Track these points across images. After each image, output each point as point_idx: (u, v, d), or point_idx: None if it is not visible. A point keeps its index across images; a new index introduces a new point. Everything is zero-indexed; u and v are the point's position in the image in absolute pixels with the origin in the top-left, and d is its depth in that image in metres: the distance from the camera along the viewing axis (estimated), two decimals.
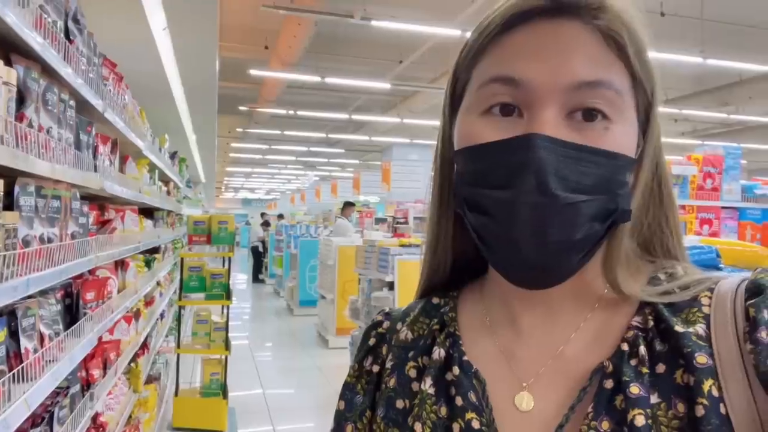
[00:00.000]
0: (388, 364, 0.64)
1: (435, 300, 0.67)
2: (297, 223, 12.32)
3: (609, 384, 0.52)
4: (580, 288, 0.58)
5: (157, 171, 4.75)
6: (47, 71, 1.65)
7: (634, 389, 0.49)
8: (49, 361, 1.72)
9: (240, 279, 16.18)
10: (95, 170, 2.30)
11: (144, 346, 4.06)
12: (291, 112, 12.75)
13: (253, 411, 5.08)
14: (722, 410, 0.47)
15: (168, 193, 5.76)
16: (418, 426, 0.57)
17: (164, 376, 4.99)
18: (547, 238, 0.50)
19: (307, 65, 9.84)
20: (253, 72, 9.02)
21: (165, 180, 5.76)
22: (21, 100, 1.46)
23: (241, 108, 13.23)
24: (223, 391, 4.61)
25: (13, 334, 1.53)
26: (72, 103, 1.92)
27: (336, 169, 26.54)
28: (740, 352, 0.48)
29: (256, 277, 15.59)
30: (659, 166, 0.58)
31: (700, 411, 0.47)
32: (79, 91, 1.93)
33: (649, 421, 0.48)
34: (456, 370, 0.58)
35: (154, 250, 4.63)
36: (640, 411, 0.48)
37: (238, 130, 16.74)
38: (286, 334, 8.92)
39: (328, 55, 9.97)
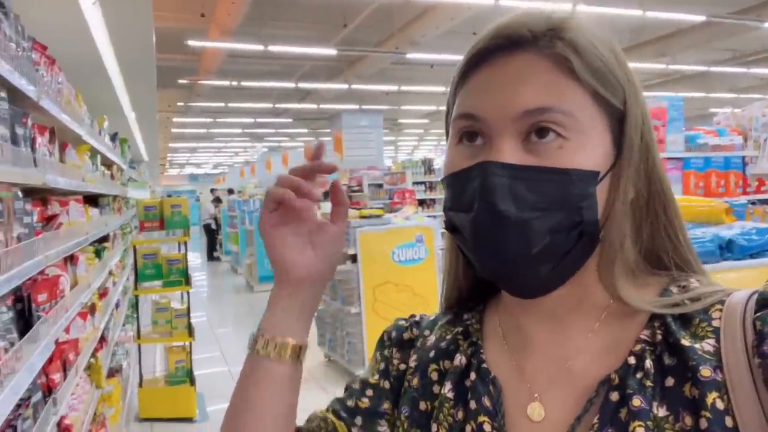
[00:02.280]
0: (412, 364, 0.69)
1: (462, 314, 0.71)
2: (250, 198, 12.05)
3: (615, 396, 0.53)
4: (582, 299, 0.60)
5: (99, 156, 4.50)
6: None
7: (636, 402, 0.51)
8: (8, 374, 1.61)
9: (194, 258, 15.81)
10: (35, 164, 2.13)
11: (102, 339, 3.90)
12: (234, 83, 12.30)
13: (220, 390, 5.02)
14: (728, 423, 0.48)
15: (112, 177, 5.47)
16: (434, 427, 0.62)
17: (126, 368, 4.85)
18: (505, 254, 0.55)
19: (248, 33, 9.45)
20: (192, 43, 8.60)
21: (107, 164, 5.47)
22: None
23: (181, 81, 12.65)
24: (190, 377, 4.52)
25: None
26: (3, 94, 1.75)
27: (285, 139, 26.03)
28: (749, 365, 0.50)
29: (211, 255, 15.29)
30: (652, 174, 0.59)
31: (703, 424, 0.49)
32: (10, 80, 1.76)
33: None
34: (473, 375, 0.62)
35: (103, 239, 4.42)
36: (641, 423, 0.50)
37: (179, 104, 16.06)
38: (247, 311, 8.83)
39: (270, 21, 9.60)
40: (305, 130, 23.04)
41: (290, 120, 19.75)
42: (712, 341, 0.52)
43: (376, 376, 0.71)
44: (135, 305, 4.77)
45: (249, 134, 23.62)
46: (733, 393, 0.49)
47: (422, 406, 0.65)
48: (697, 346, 0.52)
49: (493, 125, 0.56)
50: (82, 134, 3.39)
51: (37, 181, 2.12)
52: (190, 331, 4.45)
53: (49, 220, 2.59)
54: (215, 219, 15.18)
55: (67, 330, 2.85)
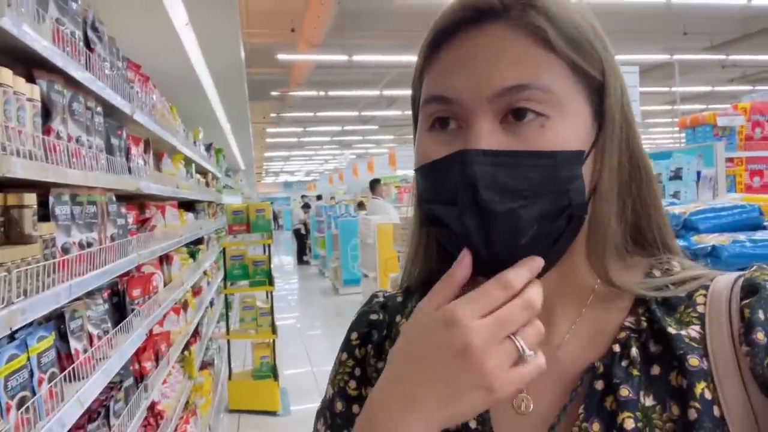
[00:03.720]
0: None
1: None
2: (336, 204, 12.40)
3: (599, 385, 0.52)
4: (568, 282, 0.57)
5: (193, 164, 4.86)
6: (71, 82, 1.69)
7: (624, 392, 0.50)
8: (100, 359, 1.81)
9: (287, 261, 16.52)
10: (129, 172, 2.37)
11: (195, 334, 4.21)
12: (322, 93, 12.76)
13: (304, 389, 5.24)
14: (716, 412, 0.47)
15: (207, 184, 5.89)
16: None
17: (218, 362, 5.19)
18: (496, 246, 0.50)
19: (333, 44, 9.78)
20: (281, 56, 9.04)
21: (202, 172, 5.89)
22: (47, 113, 1.51)
23: (273, 93, 13.32)
24: (274, 373, 4.75)
25: (63, 337, 1.61)
26: (99, 109, 1.98)
27: (372, 146, 26.51)
28: (735, 353, 0.48)
29: (301, 258, 15.89)
30: (632, 148, 0.56)
31: (692, 414, 0.47)
32: (104, 96, 1.98)
33: (639, 425, 0.48)
34: None
35: (198, 242, 4.77)
36: (630, 414, 0.49)
37: (272, 115, 16.90)
38: (332, 313, 9.09)
39: (354, 32, 9.87)
40: (391, 137, 23.34)
41: (376, 127, 20.11)
42: (697, 327, 0.51)
43: (354, 383, 0.65)
44: (226, 305, 5.08)
45: (337, 142, 24.34)
46: (718, 381, 0.48)
47: None
48: (683, 333, 0.51)
49: (467, 107, 0.51)
50: (176, 144, 3.70)
51: (131, 187, 2.35)
52: (273, 328, 4.68)
53: (143, 223, 2.85)
54: (305, 224, 15.77)
55: (160, 323, 3.12)
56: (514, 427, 0.55)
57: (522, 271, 0.48)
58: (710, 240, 1.67)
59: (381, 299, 0.70)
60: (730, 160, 4.31)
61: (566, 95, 0.51)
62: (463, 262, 0.50)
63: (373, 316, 0.68)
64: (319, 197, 16.99)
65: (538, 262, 0.49)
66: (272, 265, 4.78)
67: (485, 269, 0.52)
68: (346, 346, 0.67)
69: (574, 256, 0.55)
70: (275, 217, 27.23)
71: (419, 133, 0.57)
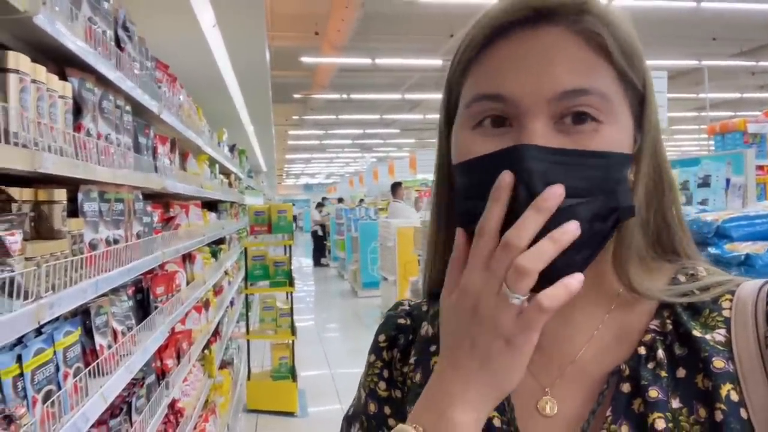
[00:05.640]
0: (412, 360, 0.64)
1: None
2: (356, 206, 12.43)
3: (626, 388, 0.52)
4: (593, 287, 0.57)
5: (217, 165, 4.91)
6: (101, 80, 1.72)
7: (653, 393, 0.50)
8: (123, 355, 1.82)
9: (306, 263, 16.58)
10: (155, 171, 2.40)
11: (216, 333, 4.25)
12: (344, 96, 12.81)
13: (322, 391, 5.24)
14: (743, 414, 0.47)
15: (230, 185, 5.95)
16: None
17: (237, 361, 5.22)
18: None
19: (357, 48, 9.81)
20: (305, 59, 9.11)
21: (226, 173, 5.95)
22: (78, 110, 1.53)
23: (296, 96, 13.42)
24: (292, 374, 4.76)
25: (88, 332, 1.63)
26: (128, 108, 2.00)
27: (393, 149, 26.54)
28: (761, 356, 0.48)
29: (318, 261, 15.90)
30: (658, 158, 0.57)
31: (719, 416, 0.47)
32: (133, 96, 2.00)
33: (670, 425, 0.48)
34: None
35: (220, 241, 4.81)
36: (660, 414, 0.49)
37: (294, 117, 17.02)
38: (351, 316, 9.10)
39: (377, 36, 9.90)
40: (412, 141, 23.34)
41: (398, 131, 20.12)
42: (722, 331, 0.51)
43: (383, 385, 0.65)
44: (246, 305, 5.12)
45: (358, 145, 24.40)
46: (744, 384, 0.48)
47: None
48: (708, 336, 0.51)
49: (524, 106, 0.51)
50: (201, 145, 3.74)
51: (157, 185, 2.37)
52: (292, 329, 4.69)
53: (168, 221, 2.88)
54: (322, 226, 15.76)
55: (183, 321, 3.15)
56: (539, 431, 0.55)
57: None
58: (744, 248, 1.63)
59: (407, 307, 0.71)
60: (760, 167, 4.21)
61: (617, 103, 0.52)
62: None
63: (401, 320, 0.68)
64: (340, 200, 17.05)
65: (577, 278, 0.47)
66: (291, 267, 4.80)
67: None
68: (374, 348, 0.68)
69: (601, 261, 0.55)
70: (294, 219, 27.38)
71: (460, 130, 0.56)
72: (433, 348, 0.63)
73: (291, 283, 4.65)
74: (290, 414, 4.66)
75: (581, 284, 0.46)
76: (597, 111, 0.50)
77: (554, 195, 0.46)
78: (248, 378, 4.84)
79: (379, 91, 13.19)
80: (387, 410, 0.64)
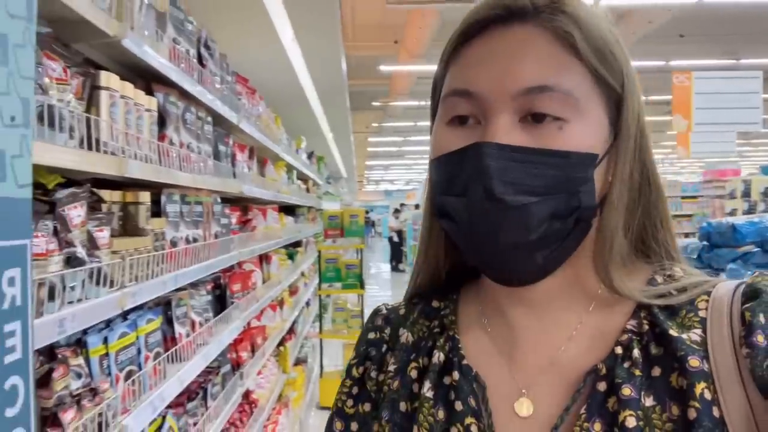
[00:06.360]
0: (391, 368, 0.63)
1: (435, 303, 0.67)
2: None
3: (602, 386, 0.52)
4: (572, 286, 0.58)
5: (294, 171, 5.15)
6: (184, 94, 1.90)
7: (626, 391, 0.50)
8: (200, 344, 1.99)
9: (384, 268, 16.79)
10: (234, 176, 2.59)
11: (291, 331, 4.45)
12: (423, 102, 12.89)
13: None
14: (715, 413, 0.47)
15: (307, 190, 6.20)
16: (414, 429, 0.57)
17: (311, 360, 5.42)
18: (499, 240, 0.52)
19: (435, 55, 9.85)
20: (383, 68, 9.30)
21: (304, 178, 6.21)
22: (162, 122, 1.71)
23: (374, 103, 13.68)
24: None
25: (168, 321, 1.80)
26: (209, 119, 2.19)
27: None
28: (736, 356, 0.48)
29: (395, 266, 16.05)
30: (645, 160, 0.57)
31: (692, 414, 0.48)
32: (214, 108, 2.19)
33: (641, 423, 0.49)
34: (456, 374, 0.58)
35: (297, 244, 5.04)
36: (632, 412, 0.49)
37: (373, 125, 17.33)
38: None
39: None
40: None
41: None
42: (698, 331, 0.51)
43: (350, 402, 0.65)
44: (320, 305, 5.31)
45: None
46: (719, 383, 0.48)
47: (403, 407, 0.60)
48: (684, 336, 0.51)
49: (489, 102, 0.52)
50: (278, 152, 3.95)
51: (235, 190, 2.56)
52: None
53: (245, 223, 3.08)
54: (398, 232, 15.91)
55: (258, 317, 3.34)
56: (516, 431, 0.55)
57: None
58: None
59: (384, 312, 0.70)
60: None
61: (586, 101, 0.52)
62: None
63: (371, 335, 0.68)
64: (417, 206, 17.12)
65: None
66: (369, 272, 4.92)
67: (491, 264, 0.53)
68: (347, 368, 0.69)
69: (580, 262, 0.56)
70: (372, 225, 27.71)
71: (437, 125, 0.58)
72: (412, 356, 0.63)
73: (362, 286, 4.78)
74: None
75: None
76: (559, 108, 0.51)
77: None
78: (321, 376, 5.02)
79: None
80: (354, 426, 0.64)
